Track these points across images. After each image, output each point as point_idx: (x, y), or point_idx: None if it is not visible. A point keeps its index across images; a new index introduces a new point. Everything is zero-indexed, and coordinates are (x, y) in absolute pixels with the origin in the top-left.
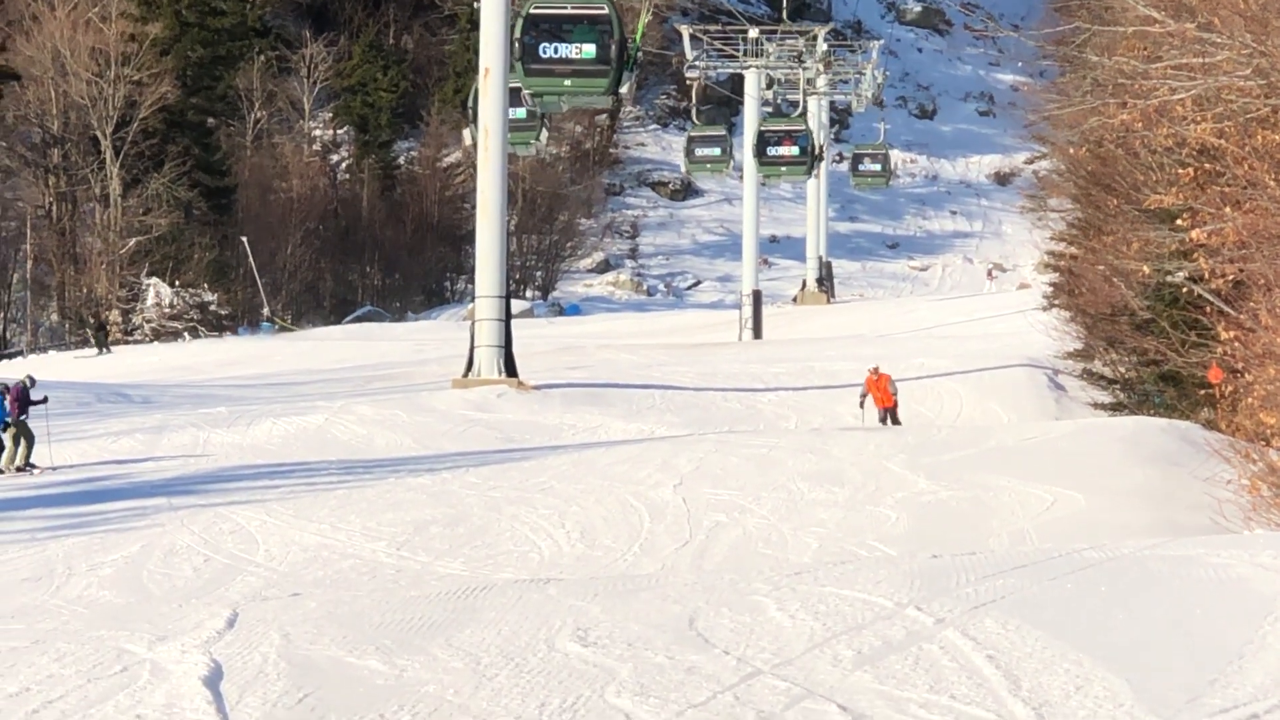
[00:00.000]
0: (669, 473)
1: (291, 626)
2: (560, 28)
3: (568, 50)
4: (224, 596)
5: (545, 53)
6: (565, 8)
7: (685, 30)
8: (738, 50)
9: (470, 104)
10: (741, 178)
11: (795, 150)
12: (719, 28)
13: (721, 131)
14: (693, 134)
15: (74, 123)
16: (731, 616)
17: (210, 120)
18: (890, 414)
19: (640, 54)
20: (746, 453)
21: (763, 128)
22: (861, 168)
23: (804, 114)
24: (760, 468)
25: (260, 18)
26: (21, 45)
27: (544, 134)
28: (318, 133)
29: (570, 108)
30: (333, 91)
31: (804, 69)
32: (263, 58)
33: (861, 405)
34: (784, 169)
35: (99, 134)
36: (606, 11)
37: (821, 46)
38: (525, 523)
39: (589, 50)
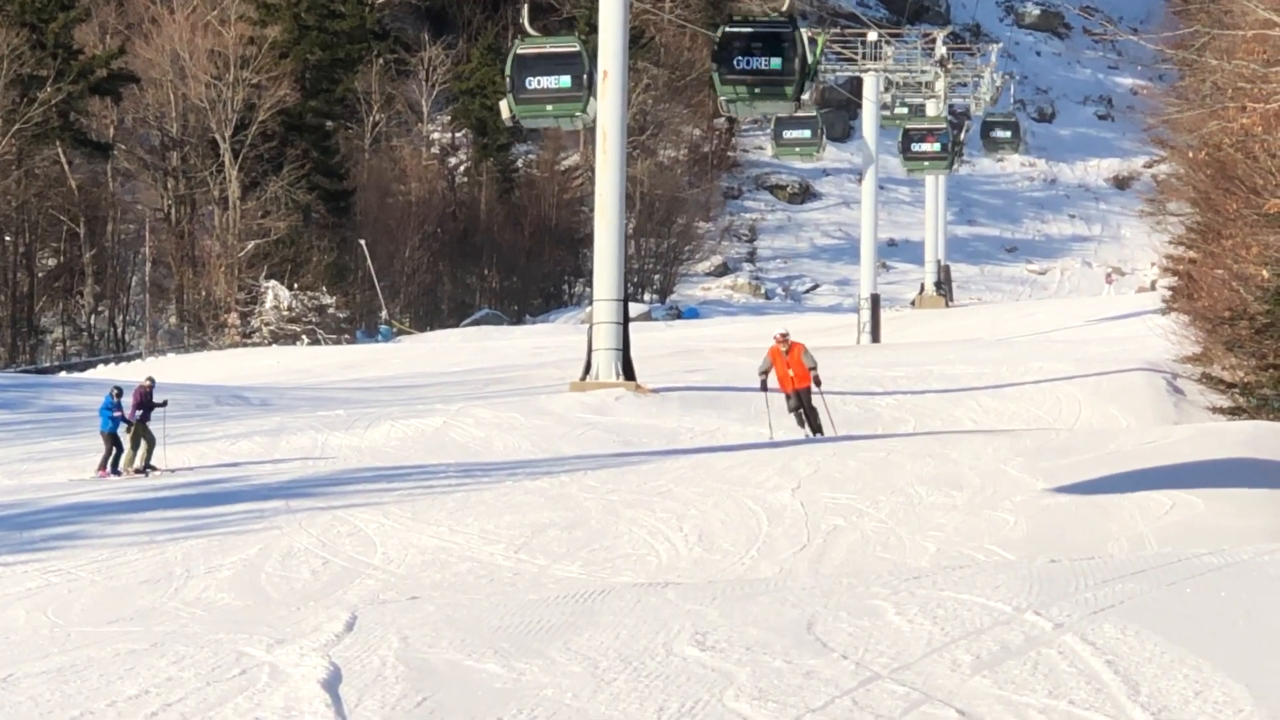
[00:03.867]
0: (787, 476)
1: (410, 630)
2: (751, 44)
3: (758, 63)
4: (342, 599)
5: (739, 65)
6: (755, 26)
7: (806, 34)
8: (856, 54)
9: (509, 73)
10: (860, 181)
11: (937, 146)
12: (838, 30)
13: (811, 113)
14: (780, 115)
15: (193, 125)
16: (850, 621)
17: (329, 123)
18: (804, 401)
19: (819, 66)
20: (865, 456)
21: (907, 126)
22: (993, 135)
23: (943, 113)
24: (878, 471)
25: (379, 21)
26: (141, 48)
27: (592, 103)
28: (436, 136)
29: (761, 113)
30: (451, 94)
31: (924, 72)
32: (381, 61)
33: (764, 386)
34: (927, 164)
35: (218, 137)
36: (790, 30)
37: (940, 50)
38: (643, 526)
39: (775, 63)
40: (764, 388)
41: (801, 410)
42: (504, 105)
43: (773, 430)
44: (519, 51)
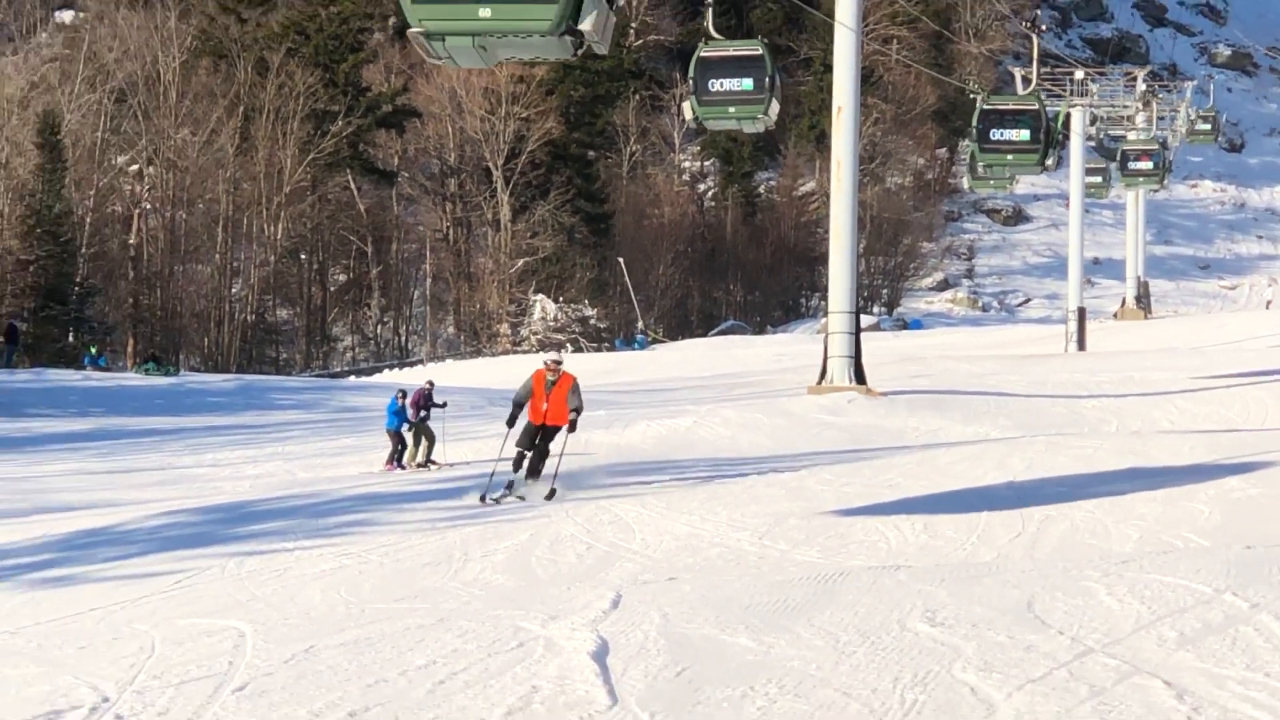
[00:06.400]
0: (1003, 470)
1: (669, 607)
2: (1004, 118)
3: (1010, 134)
4: (606, 580)
5: (994, 136)
6: (1008, 104)
7: (1018, 73)
8: (1065, 91)
9: (692, 75)
10: (1067, 205)
11: (1150, 165)
12: (1048, 70)
13: None
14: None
15: (468, 155)
16: (1065, 600)
17: (590, 153)
18: (544, 440)
19: (1061, 136)
20: (1073, 453)
21: (1125, 146)
22: (1196, 127)
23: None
24: (1086, 467)
25: (635, 61)
26: (422, 86)
27: (774, 106)
28: (686, 164)
29: (1012, 174)
30: (700, 128)
31: (1125, 107)
32: (637, 97)
33: (513, 421)
34: (1141, 180)
35: (491, 165)
36: (1037, 107)
37: (1141, 86)
38: (874, 515)
39: (1025, 135)
40: (512, 423)
41: (534, 452)
42: (687, 106)
43: (488, 490)
44: (702, 54)
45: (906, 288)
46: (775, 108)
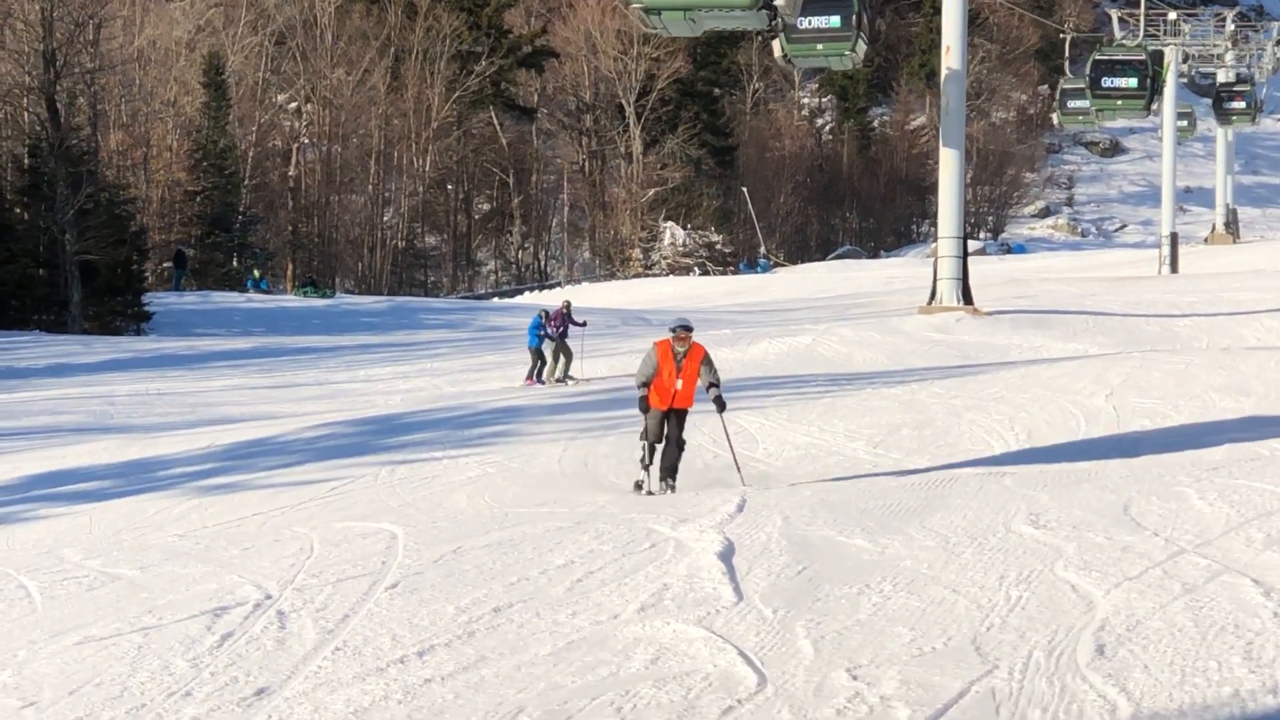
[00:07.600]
0: (1101, 385)
1: (790, 511)
2: (1115, 66)
3: (1120, 82)
4: (731, 485)
5: (1105, 84)
6: (1118, 55)
7: (1114, 14)
8: (1158, 30)
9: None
10: (1161, 138)
11: (1243, 104)
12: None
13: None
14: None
15: (603, 93)
16: (1159, 504)
17: (716, 90)
18: (678, 426)
19: (1164, 84)
20: (1166, 368)
21: (1219, 86)
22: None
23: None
24: (1178, 381)
25: (759, 3)
26: (560, 28)
27: (861, 45)
28: (805, 100)
29: (1116, 119)
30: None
31: (1216, 45)
32: (760, 38)
33: (646, 406)
34: (1234, 118)
35: (623, 102)
36: (1144, 57)
37: (1230, 27)
38: (981, 426)
39: (1133, 82)
40: (645, 408)
41: (666, 445)
42: (776, 45)
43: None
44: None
45: (1010, 215)
46: (863, 45)
